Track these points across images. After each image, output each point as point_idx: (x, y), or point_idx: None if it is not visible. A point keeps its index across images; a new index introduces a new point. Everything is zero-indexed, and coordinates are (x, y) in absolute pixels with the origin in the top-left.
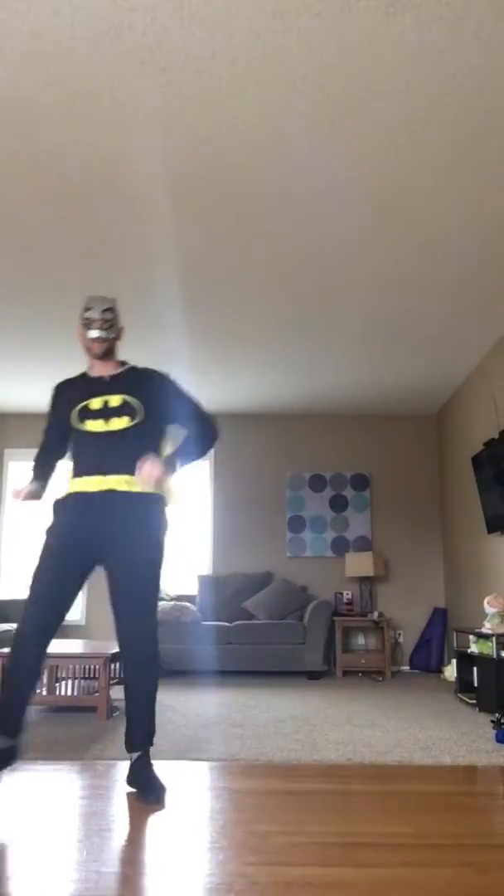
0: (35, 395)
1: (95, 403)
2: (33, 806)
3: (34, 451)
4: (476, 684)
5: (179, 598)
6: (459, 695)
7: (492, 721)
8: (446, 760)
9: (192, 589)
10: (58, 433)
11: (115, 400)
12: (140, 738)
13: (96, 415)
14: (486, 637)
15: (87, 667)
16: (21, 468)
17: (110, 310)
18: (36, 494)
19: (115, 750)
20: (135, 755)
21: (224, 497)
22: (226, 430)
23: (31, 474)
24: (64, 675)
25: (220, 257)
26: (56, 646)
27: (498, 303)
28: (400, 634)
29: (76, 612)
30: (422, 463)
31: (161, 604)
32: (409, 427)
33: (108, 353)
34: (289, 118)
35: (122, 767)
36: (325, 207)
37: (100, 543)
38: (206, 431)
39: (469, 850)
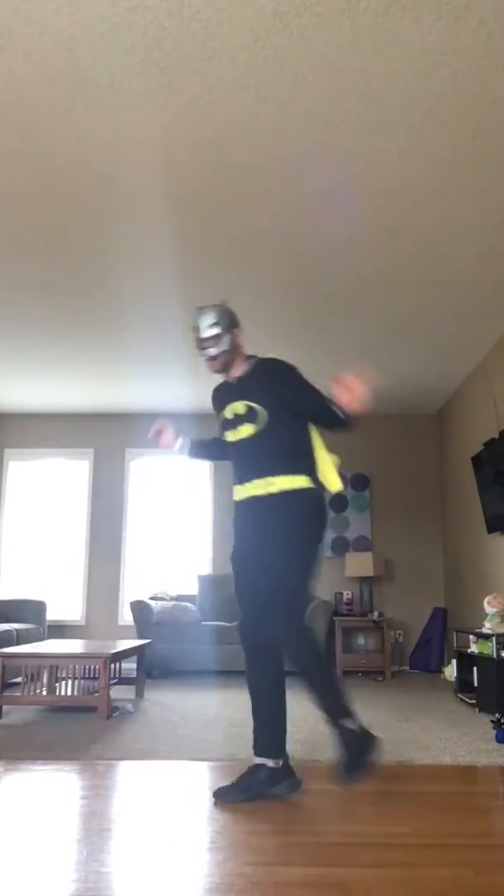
0: (35, 395)
1: (228, 412)
2: (33, 806)
3: (34, 451)
4: (476, 684)
5: (179, 598)
6: (459, 695)
7: (492, 721)
8: (446, 760)
9: (192, 589)
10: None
11: (239, 407)
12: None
13: (229, 424)
14: (486, 637)
15: (87, 667)
16: (21, 468)
17: (216, 324)
18: (176, 446)
19: (115, 750)
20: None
21: (224, 497)
22: None
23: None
24: (64, 675)
25: (219, 257)
26: (56, 646)
27: (498, 302)
28: (400, 634)
29: (76, 612)
30: (422, 463)
31: (161, 604)
32: (409, 427)
33: (225, 368)
34: (289, 118)
35: (122, 767)
36: (325, 207)
37: (251, 549)
38: (337, 421)
39: (469, 850)
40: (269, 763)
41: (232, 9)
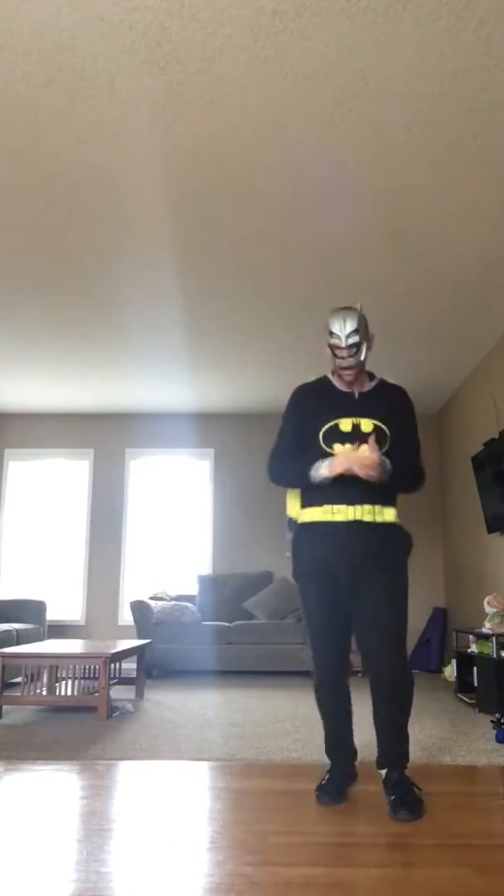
0: (35, 395)
1: (345, 425)
2: (33, 806)
3: (34, 451)
4: (476, 684)
5: (179, 598)
6: (459, 695)
7: (492, 721)
8: (446, 760)
9: (192, 589)
10: (298, 441)
11: (366, 424)
12: (389, 757)
13: (345, 438)
14: (486, 637)
15: (87, 667)
16: (21, 468)
17: (356, 332)
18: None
19: (115, 750)
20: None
21: (224, 497)
22: (226, 430)
23: (302, 470)
24: (64, 675)
25: (219, 257)
26: (56, 646)
27: (498, 303)
28: None
29: (76, 612)
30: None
31: (161, 604)
32: None
33: (357, 377)
34: (289, 118)
35: (123, 767)
36: (325, 207)
37: (347, 574)
38: (416, 482)
39: (469, 850)
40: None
41: (232, 9)
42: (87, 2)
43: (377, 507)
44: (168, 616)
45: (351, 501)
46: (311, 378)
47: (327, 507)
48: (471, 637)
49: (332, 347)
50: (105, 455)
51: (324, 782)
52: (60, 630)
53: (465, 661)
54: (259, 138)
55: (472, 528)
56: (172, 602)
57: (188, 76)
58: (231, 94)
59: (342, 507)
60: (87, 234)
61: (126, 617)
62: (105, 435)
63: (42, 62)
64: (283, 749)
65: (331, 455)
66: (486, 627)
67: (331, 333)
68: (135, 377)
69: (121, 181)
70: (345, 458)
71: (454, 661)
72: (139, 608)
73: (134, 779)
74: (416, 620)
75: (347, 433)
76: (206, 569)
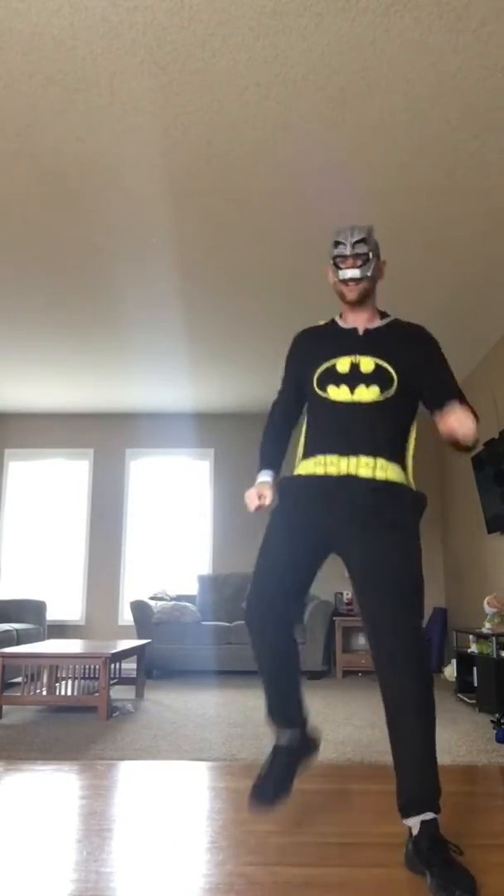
0: (35, 395)
1: (342, 364)
2: (33, 806)
3: (34, 451)
4: (476, 684)
5: (179, 598)
6: (459, 695)
7: (492, 721)
8: (446, 760)
9: (192, 589)
10: (295, 396)
11: (366, 363)
12: (414, 793)
13: (341, 379)
14: (486, 637)
15: (87, 667)
16: (21, 468)
17: (363, 241)
18: (270, 494)
19: (115, 750)
20: (412, 822)
21: (224, 497)
22: (226, 430)
23: (258, 463)
24: (64, 675)
25: (219, 256)
26: (56, 646)
27: (498, 303)
28: None
29: (76, 612)
30: (422, 463)
31: (161, 604)
32: None
33: (364, 298)
34: (289, 118)
35: (122, 767)
36: (325, 207)
37: (335, 532)
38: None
39: (469, 850)
40: None
41: (232, 9)
42: (87, 2)
43: (378, 460)
44: (168, 616)
45: (343, 451)
46: (321, 322)
47: (319, 458)
48: (471, 637)
49: (336, 259)
50: (105, 455)
51: (261, 776)
52: (60, 630)
53: (465, 661)
54: (259, 138)
55: (472, 528)
56: (172, 602)
57: (188, 76)
58: (231, 94)
59: (334, 459)
60: (87, 233)
61: (126, 617)
62: (105, 435)
63: (42, 62)
64: None
65: (324, 400)
66: (486, 627)
67: (336, 244)
68: (135, 377)
69: (121, 181)
70: (255, 492)
71: (454, 661)
72: (139, 608)
73: (134, 779)
74: None
75: (344, 374)
76: (206, 569)
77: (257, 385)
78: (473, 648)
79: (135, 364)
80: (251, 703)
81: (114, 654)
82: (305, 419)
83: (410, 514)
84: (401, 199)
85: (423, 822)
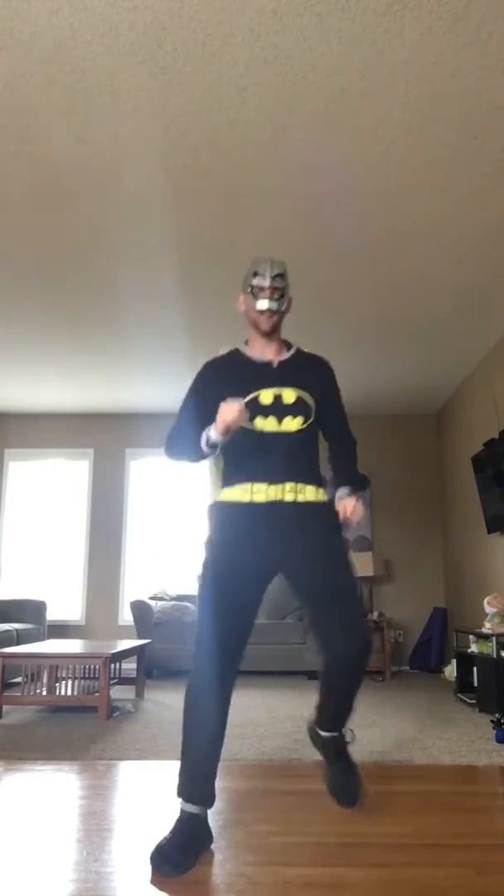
0: (35, 395)
1: (266, 397)
2: (33, 806)
3: (34, 451)
4: (476, 684)
5: (179, 598)
6: (459, 695)
7: (492, 721)
8: (446, 760)
9: (192, 589)
10: (197, 421)
11: (288, 395)
12: (341, 719)
13: (268, 411)
14: (486, 637)
15: (87, 667)
16: (21, 468)
17: (281, 276)
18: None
19: (115, 750)
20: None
21: None
22: None
23: (193, 443)
24: (64, 675)
25: (219, 257)
26: (56, 646)
27: (498, 303)
28: (400, 634)
29: (76, 612)
30: (422, 463)
31: (161, 604)
32: (409, 427)
33: (275, 330)
34: (289, 118)
35: (122, 767)
36: (326, 207)
37: (272, 555)
38: (353, 449)
39: (469, 850)
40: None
41: (232, 8)
42: (87, 2)
43: (299, 486)
44: (168, 616)
45: (272, 479)
46: (222, 351)
47: (246, 486)
48: (471, 637)
49: (254, 290)
50: (105, 455)
51: (165, 841)
52: (60, 630)
53: (465, 661)
54: (259, 138)
55: (472, 528)
56: (172, 602)
57: (188, 76)
58: (231, 94)
59: (262, 487)
60: (86, 233)
61: (126, 617)
62: (105, 435)
63: (42, 62)
64: (283, 749)
65: (251, 431)
66: (486, 627)
67: (254, 274)
68: (135, 377)
69: (120, 181)
70: (225, 411)
71: (454, 661)
72: (139, 608)
73: (134, 779)
74: (417, 620)
75: (268, 406)
76: None
77: None
78: (473, 648)
79: (135, 364)
80: (251, 703)
81: (114, 654)
82: (223, 448)
83: (331, 524)
84: (401, 198)
85: (336, 735)
